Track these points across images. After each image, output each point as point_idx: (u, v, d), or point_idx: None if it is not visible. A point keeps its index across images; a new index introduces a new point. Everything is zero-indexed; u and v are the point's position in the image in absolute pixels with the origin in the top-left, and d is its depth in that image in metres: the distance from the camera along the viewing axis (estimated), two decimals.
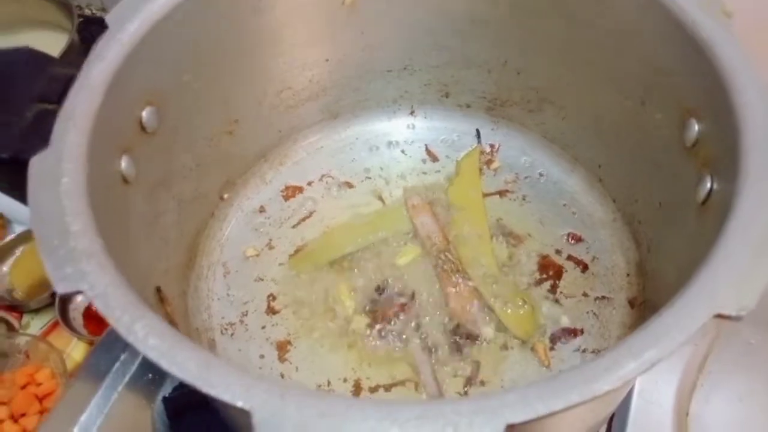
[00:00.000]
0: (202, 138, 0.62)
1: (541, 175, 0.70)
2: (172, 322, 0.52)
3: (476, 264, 0.62)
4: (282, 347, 0.60)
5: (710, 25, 0.47)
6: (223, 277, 0.64)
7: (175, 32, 0.52)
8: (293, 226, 0.68)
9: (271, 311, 0.62)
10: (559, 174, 0.69)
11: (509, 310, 0.60)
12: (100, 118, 0.45)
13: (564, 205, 0.68)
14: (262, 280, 0.64)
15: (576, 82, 0.64)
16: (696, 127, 0.49)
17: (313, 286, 0.63)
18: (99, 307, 0.36)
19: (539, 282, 0.62)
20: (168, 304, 0.53)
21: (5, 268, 0.89)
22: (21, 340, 0.81)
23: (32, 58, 0.56)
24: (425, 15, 0.65)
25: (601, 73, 0.60)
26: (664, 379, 0.57)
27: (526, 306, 0.60)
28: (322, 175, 0.71)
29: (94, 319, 0.86)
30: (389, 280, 0.63)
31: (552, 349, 0.59)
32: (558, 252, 0.64)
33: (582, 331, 0.59)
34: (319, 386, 0.58)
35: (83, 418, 0.56)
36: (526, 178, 0.70)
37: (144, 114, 0.51)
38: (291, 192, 0.70)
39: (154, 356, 0.34)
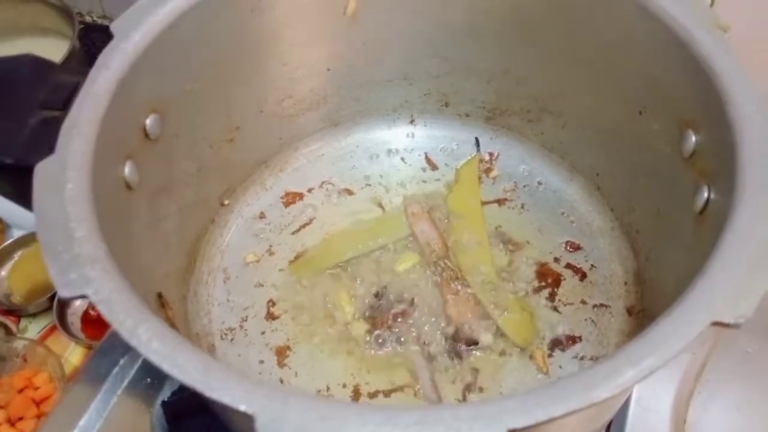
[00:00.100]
0: (203, 145, 0.62)
1: (539, 183, 0.70)
2: (172, 327, 0.52)
3: (475, 271, 0.63)
4: (281, 352, 0.60)
5: (707, 38, 0.48)
6: (224, 282, 0.65)
7: (179, 42, 0.53)
8: (293, 233, 0.68)
9: (271, 317, 0.62)
10: (558, 183, 0.70)
11: (508, 317, 0.60)
12: (105, 126, 0.45)
13: (562, 213, 0.68)
14: (262, 285, 0.65)
15: (575, 92, 0.64)
16: (693, 139, 0.49)
17: (312, 292, 0.64)
18: (103, 311, 0.36)
19: (538, 289, 0.63)
20: (169, 309, 0.53)
21: (4, 273, 0.90)
22: (19, 344, 0.81)
23: (37, 65, 0.57)
24: (425, 26, 0.65)
25: (600, 84, 0.61)
26: (661, 387, 0.58)
27: (524, 313, 0.61)
28: (323, 182, 0.72)
29: (92, 324, 0.86)
30: (388, 287, 0.63)
31: (550, 356, 0.59)
32: (556, 260, 0.65)
33: (580, 339, 0.60)
34: (319, 391, 0.58)
35: (82, 422, 0.56)
36: (524, 186, 0.70)
37: (147, 121, 0.52)
38: (291, 198, 0.71)
39: (157, 360, 0.34)
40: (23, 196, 0.85)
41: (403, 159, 0.73)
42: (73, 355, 0.84)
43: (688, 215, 0.49)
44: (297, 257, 0.66)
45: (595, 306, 0.62)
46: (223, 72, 0.60)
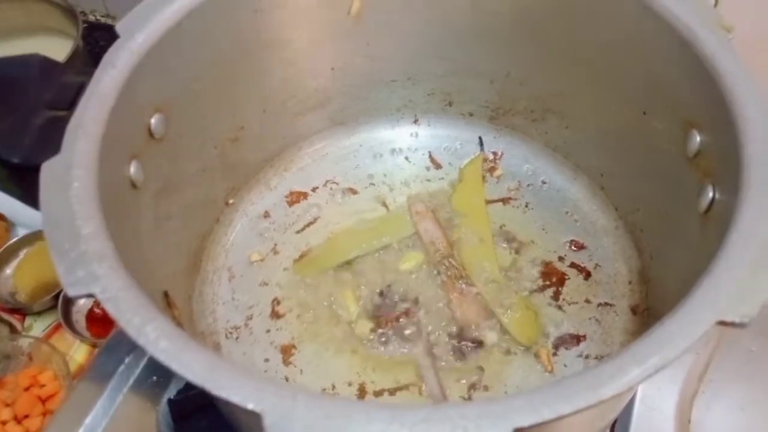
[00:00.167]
0: (208, 144, 0.62)
1: (543, 182, 0.71)
2: (179, 326, 0.53)
3: (479, 270, 0.63)
4: (286, 351, 0.60)
5: (711, 39, 0.48)
6: (228, 281, 0.65)
7: (183, 42, 0.53)
8: (298, 232, 0.68)
9: (276, 315, 0.63)
10: (562, 182, 0.70)
11: (512, 316, 0.60)
12: (110, 125, 0.45)
13: (567, 212, 0.68)
14: (267, 284, 0.65)
15: (579, 92, 0.64)
16: (698, 139, 0.50)
17: (317, 290, 0.64)
18: (111, 310, 0.36)
19: (542, 288, 0.63)
20: (175, 309, 0.54)
21: (9, 271, 0.90)
22: (24, 342, 0.81)
23: (43, 65, 0.57)
24: (430, 27, 0.66)
25: (604, 84, 0.61)
26: (666, 386, 0.58)
27: (529, 312, 0.61)
28: (327, 181, 0.72)
29: (96, 322, 0.86)
30: (393, 286, 0.63)
31: (555, 354, 0.59)
32: (561, 259, 0.65)
33: (585, 337, 0.60)
34: (324, 390, 0.58)
35: (88, 420, 0.57)
36: (528, 185, 0.71)
37: (152, 121, 0.52)
38: (295, 198, 0.71)
39: (165, 359, 0.35)
40: (29, 195, 0.85)
41: (407, 158, 0.74)
42: (78, 353, 0.84)
43: (693, 215, 0.49)
44: (301, 256, 0.67)
45: (599, 305, 0.62)
46: (228, 72, 0.60)
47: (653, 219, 0.60)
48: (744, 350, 0.61)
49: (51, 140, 0.44)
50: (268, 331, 0.62)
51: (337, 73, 0.69)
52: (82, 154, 0.43)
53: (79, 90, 0.46)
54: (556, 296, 0.63)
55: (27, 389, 0.78)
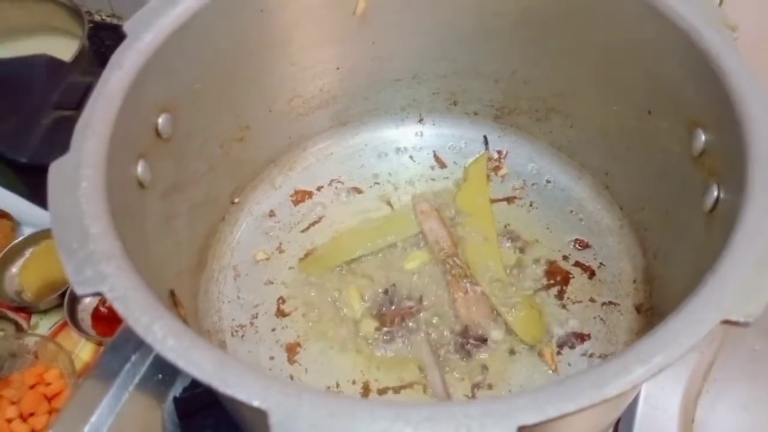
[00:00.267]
0: (214, 144, 0.62)
1: (548, 181, 0.71)
2: (185, 325, 0.53)
3: (484, 269, 0.63)
4: (291, 349, 0.61)
5: (715, 38, 0.48)
6: (234, 280, 0.65)
7: (189, 42, 0.53)
8: (303, 231, 0.69)
9: (281, 314, 0.63)
10: (567, 181, 0.70)
11: (517, 315, 0.61)
12: (118, 125, 0.46)
13: (571, 211, 0.68)
14: (272, 283, 0.65)
15: (583, 92, 0.65)
16: (703, 138, 0.50)
17: (322, 289, 0.64)
18: (119, 308, 0.37)
19: (546, 287, 0.63)
20: (181, 307, 0.54)
21: (15, 270, 0.90)
22: (30, 341, 0.82)
23: (49, 65, 0.57)
24: (435, 27, 0.66)
25: (608, 84, 0.61)
26: (670, 385, 0.58)
27: (533, 311, 0.61)
28: (332, 181, 0.72)
29: (102, 320, 0.87)
30: (397, 285, 0.63)
31: (559, 353, 0.59)
32: (565, 258, 0.65)
33: (589, 336, 0.60)
34: (329, 388, 0.58)
35: (94, 418, 0.57)
36: (533, 184, 0.71)
37: (159, 121, 0.52)
38: (300, 197, 0.71)
39: (172, 357, 0.35)
40: (36, 195, 0.86)
41: (411, 157, 0.74)
42: (84, 351, 0.84)
43: (698, 214, 0.49)
44: (306, 255, 0.67)
45: (603, 304, 0.62)
46: (233, 72, 0.60)
47: (658, 218, 0.60)
48: (748, 349, 0.61)
49: (57, 140, 0.44)
50: (274, 329, 0.62)
51: (342, 73, 0.69)
52: (90, 154, 0.43)
53: (86, 90, 0.47)
54: (560, 295, 0.63)
55: (33, 387, 0.79)
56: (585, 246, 0.66)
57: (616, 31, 0.57)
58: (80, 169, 0.42)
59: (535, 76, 0.68)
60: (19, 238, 0.90)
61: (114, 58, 0.48)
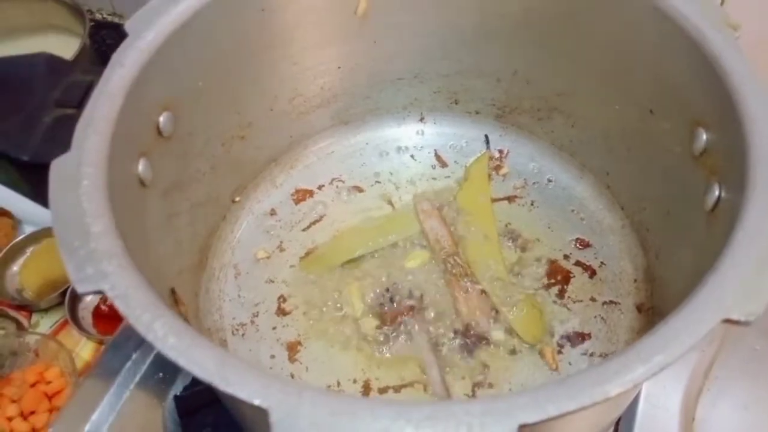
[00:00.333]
0: (215, 142, 0.62)
1: (549, 181, 0.71)
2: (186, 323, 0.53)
3: (485, 268, 0.63)
4: (292, 348, 0.61)
5: (717, 37, 0.48)
6: (234, 278, 0.65)
7: (191, 41, 0.53)
8: (304, 229, 0.69)
9: (282, 312, 0.63)
10: (568, 180, 0.70)
11: (517, 314, 0.61)
12: (119, 124, 0.46)
13: (572, 211, 0.68)
14: (273, 281, 0.65)
15: (585, 91, 0.64)
16: (704, 137, 0.50)
17: (323, 288, 0.64)
18: (120, 306, 0.37)
19: (547, 287, 0.63)
20: (182, 305, 0.54)
21: (15, 268, 0.90)
22: (31, 339, 0.82)
23: (51, 63, 0.57)
24: (437, 27, 0.66)
25: (610, 83, 0.61)
26: (670, 384, 0.58)
27: (534, 310, 0.61)
28: (333, 179, 0.72)
29: (103, 319, 0.87)
30: (398, 284, 0.63)
31: (560, 352, 0.59)
32: (566, 257, 0.65)
33: (590, 336, 0.60)
34: (329, 387, 0.58)
35: (95, 416, 0.57)
36: (534, 183, 0.71)
37: (161, 119, 0.52)
38: (301, 195, 0.71)
39: (173, 355, 0.35)
40: (37, 193, 0.86)
41: (412, 156, 0.74)
42: (84, 349, 0.84)
43: (699, 213, 0.49)
44: (307, 254, 0.67)
45: (604, 303, 0.62)
46: (235, 70, 0.60)
47: (659, 218, 0.60)
48: (749, 348, 0.61)
49: (59, 138, 0.44)
50: (274, 328, 0.62)
51: (343, 72, 0.69)
52: (91, 152, 0.43)
53: (88, 88, 0.47)
54: (561, 294, 0.63)
55: (33, 386, 0.79)
56: (586, 245, 0.66)
57: (617, 31, 0.57)
58: (81, 168, 0.42)
59: (537, 76, 0.68)
60: (20, 237, 0.90)
61: (115, 57, 0.48)
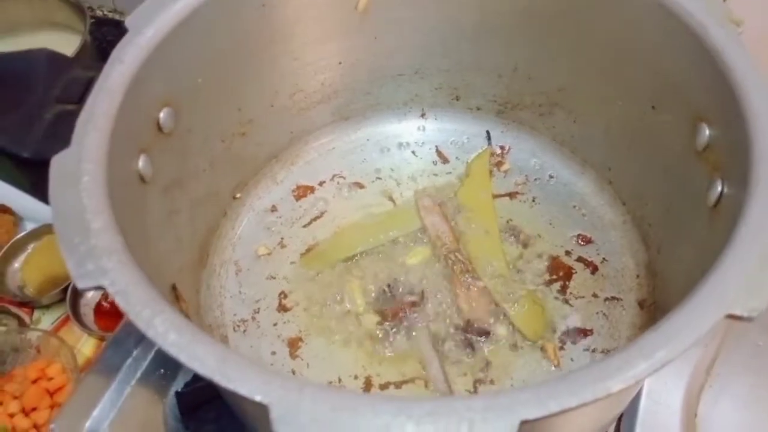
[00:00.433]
0: (215, 139, 0.62)
1: (551, 177, 0.70)
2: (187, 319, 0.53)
3: (486, 264, 0.63)
4: (293, 344, 0.61)
5: (720, 33, 0.48)
6: (235, 275, 0.65)
7: (191, 36, 0.53)
8: (304, 226, 0.68)
9: (283, 309, 0.63)
10: (569, 176, 0.70)
11: (519, 311, 0.60)
12: (119, 119, 0.45)
13: (574, 206, 0.68)
14: (274, 278, 0.65)
15: (587, 87, 0.64)
16: (707, 132, 0.49)
17: (324, 284, 0.64)
18: (120, 303, 0.37)
19: (549, 283, 0.63)
20: (183, 302, 0.54)
21: (17, 265, 0.90)
22: (32, 335, 0.82)
23: (52, 59, 0.57)
24: (437, 22, 0.66)
25: (612, 79, 0.61)
26: (672, 380, 0.58)
27: (535, 306, 0.61)
28: (333, 176, 0.72)
29: (104, 315, 0.87)
30: (399, 280, 0.63)
31: (561, 349, 0.59)
32: (568, 253, 0.65)
33: (592, 332, 0.60)
34: (330, 383, 0.58)
35: (96, 412, 0.57)
36: (536, 179, 0.70)
37: (161, 115, 0.52)
38: (302, 192, 0.71)
39: (174, 351, 0.35)
40: (38, 189, 0.86)
41: (413, 152, 0.74)
42: (86, 346, 0.84)
43: (701, 209, 0.49)
44: (308, 250, 0.67)
45: (606, 299, 0.62)
46: (235, 66, 0.60)
47: (661, 213, 0.60)
48: (751, 344, 0.61)
49: (60, 134, 0.44)
50: (275, 324, 0.62)
51: (344, 68, 0.69)
52: (91, 148, 0.43)
53: (88, 84, 0.47)
54: (563, 290, 0.63)
55: (35, 382, 0.79)
56: (588, 241, 0.66)
57: (619, 26, 0.57)
58: (81, 164, 0.42)
59: (538, 71, 0.67)
60: (22, 233, 0.90)
61: (115, 53, 0.48)
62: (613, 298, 0.62)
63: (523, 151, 0.73)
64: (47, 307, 0.87)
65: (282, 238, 0.68)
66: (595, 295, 0.62)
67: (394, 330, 0.60)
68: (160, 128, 0.52)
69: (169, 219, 0.56)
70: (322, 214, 0.69)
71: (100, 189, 0.42)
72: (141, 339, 0.59)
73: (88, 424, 0.56)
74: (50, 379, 0.79)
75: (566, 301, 0.62)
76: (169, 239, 0.56)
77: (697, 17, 0.49)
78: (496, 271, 0.63)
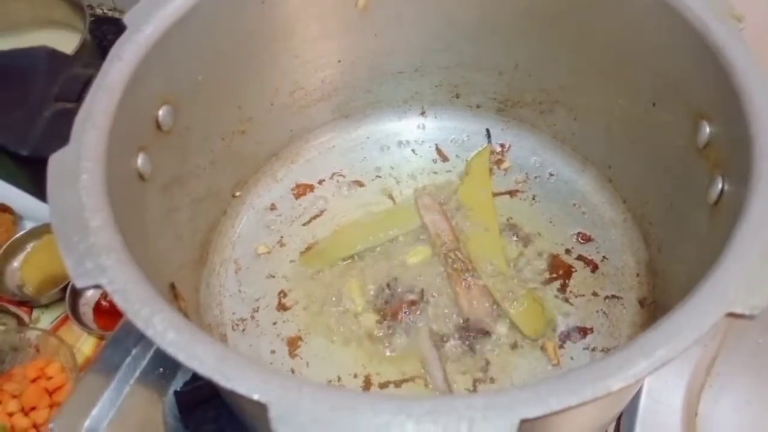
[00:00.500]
0: (215, 137, 0.62)
1: (551, 174, 0.70)
2: (186, 318, 0.53)
3: (486, 263, 0.63)
4: (293, 343, 0.60)
5: (721, 29, 0.47)
6: (235, 273, 0.65)
7: (190, 34, 0.53)
8: (304, 224, 0.68)
9: (282, 307, 0.63)
10: (570, 174, 0.70)
11: (519, 309, 0.60)
12: (118, 117, 0.45)
13: (574, 204, 0.68)
14: (274, 276, 0.65)
15: (587, 84, 0.64)
16: (707, 130, 0.49)
17: (323, 283, 0.64)
18: (119, 301, 0.37)
19: (549, 281, 0.63)
20: (182, 300, 0.54)
21: (16, 264, 0.90)
22: (31, 335, 0.82)
23: (51, 57, 0.57)
24: (437, 19, 0.66)
25: (613, 76, 0.61)
26: (673, 379, 0.58)
27: (535, 305, 0.61)
28: (333, 174, 0.72)
29: (104, 314, 0.87)
30: (399, 278, 0.63)
31: (561, 347, 0.59)
32: (568, 251, 0.65)
33: (592, 330, 0.60)
34: (330, 382, 0.58)
35: (95, 411, 0.57)
36: (536, 177, 0.70)
37: (160, 113, 0.52)
38: (302, 190, 0.71)
39: (173, 350, 0.35)
40: (38, 188, 0.86)
41: (413, 151, 0.73)
42: (85, 345, 0.84)
43: (702, 206, 0.49)
44: (308, 249, 0.67)
45: (606, 297, 0.62)
46: (235, 64, 0.60)
47: (662, 211, 0.60)
48: (752, 343, 0.61)
49: (59, 132, 0.44)
50: (275, 323, 0.62)
51: (344, 65, 0.69)
52: (90, 146, 0.43)
53: (87, 82, 0.46)
54: (563, 289, 0.62)
55: (34, 381, 0.79)
56: (588, 239, 0.65)
57: (620, 23, 0.57)
58: (80, 162, 0.42)
59: (538, 69, 0.67)
60: (21, 232, 0.90)
61: (114, 50, 0.48)
62: (614, 296, 0.62)
63: (523, 149, 0.72)
64: (46, 306, 0.87)
65: (282, 237, 0.67)
66: (595, 294, 0.62)
67: (393, 329, 0.60)
68: (159, 126, 0.52)
69: (169, 217, 0.56)
70: (321, 212, 0.69)
71: (98, 187, 0.42)
72: (140, 338, 0.59)
73: (87, 423, 0.56)
74: (49, 378, 0.79)
75: (566, 300, 0.62)
76: (169, 237, 0.56)
77: (698, 13, 0.49)
78: (496, 269, 0.63)
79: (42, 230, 0.90)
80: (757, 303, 0.35)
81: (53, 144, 0.42)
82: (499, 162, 0.72)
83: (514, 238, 0.66)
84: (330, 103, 0.72)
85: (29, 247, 0.91)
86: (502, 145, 0.73)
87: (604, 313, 0.61)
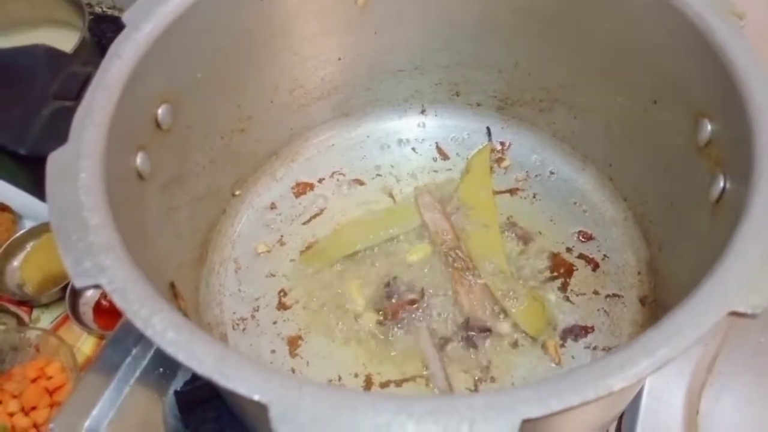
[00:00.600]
0: (214, 135, 0.62)
1: (551, 173, 0.70)
2: (185, 318, 0.53)
3: (486, 261, 0.63)
4: (293, 342, 0.60)
5: (722, 27, 0.47)
6: (235, 272, 0.65)
7: (189, 32, 0.53)
8: (304, 223, 0.68)
9: (282, 307, 0.63)
10: (570, 172, 0.70)
11: (519, 308, 0.60)
12: (117, 116, 0.45)
13: (575, 203, 0.68)
14: (274, 275, 0.65)
15: (587, 83, 0.64)
16: (709, 128, 0.49)
17: (323, 282, 0.64)
18: (118, 301, 0.36)
19: (550, 280, 0.63)
20: (181, 300, 0.54)
21: (16, 263, 0.90)
22: (31, 334, 0.81)
23: (50, 56, 0.57)
24: (438, 18, 0.65)
25: (613, 74, 0.60)
26: (674, 378, 0.57)
27: (536, 303, 0.61)
28: (333, 173, 0.72)
29: (104, 314, 0.87)
30: (399, 277, 0.63)
31: (562, 346, 0.59)
32: (569, 250, 0.65)
33: (593, 329, 0.60)
34: (330, 381, 0.58)
35: (95, 411, 0.56)
36: (536, 176, 0.70)
37: (159, 111, 0.52)
38: (302, 189, 0.71)
39: (171, 350, 0.35)
40: (38, 187, 0.86)
41: (414, 149, 0.73)
42: (85, 345, 0.84)
43: (704, 205, 0.48)
44: (308, 247, 0.66)
45: (607, 296, 0.62)
46: (234, 62, 0.60)
47: (662, 209, 0.60)
48: (753, 342, 0.61)
49: (58, 131, 0.43)
50: (275, 322, 0.62)
51: (344, 64, 0.69)
52: (89, 144, 0.43)
53: (86, 80, 0.46)
54: (563, 287, 0.62)
55: (34, 381, 0.79)
56: (589, 238, 0.65)
57: (620, 21, 0.57)
58: (79, 160, 0.42)
59: (538, 67, 0.67)
60: (21, 232, 0.90)
61: (113, 49, 0.48)
62: (614, 295, 0.62)
63: (523, 147, 0.72)
64: (46, 305, 0.87)
65: (281, 236, 0.67)
66: (596, 292, 0.62)
67: (394, 328, 0.60)
68: (158, 125, 0.52)
69: (168, 216, 0.56)
70: (321, 211, 0.69)
71: (97, 186, 0.41)
72: (140, 338, 0.59)
73: (87, 423, 0.56)
74: (49, 378, 0.79)
75: (567, 298, 0.62)
76: (168, 236, 0.56)
77: (698, 10, 0.49)
78: (497, 268, 0.63)
79: (41, 229, 0.90)
80: (759, 302, 0.35)
81: (52, 142, 0.42)
82: (499, 160, 0.72)
83: (515, 237, 0.65)
84: (330, 102, 0.72)
85: (29, 246, 0.91)
86: (502, 144, 0.73)
87: (605, 311, 0.61)
